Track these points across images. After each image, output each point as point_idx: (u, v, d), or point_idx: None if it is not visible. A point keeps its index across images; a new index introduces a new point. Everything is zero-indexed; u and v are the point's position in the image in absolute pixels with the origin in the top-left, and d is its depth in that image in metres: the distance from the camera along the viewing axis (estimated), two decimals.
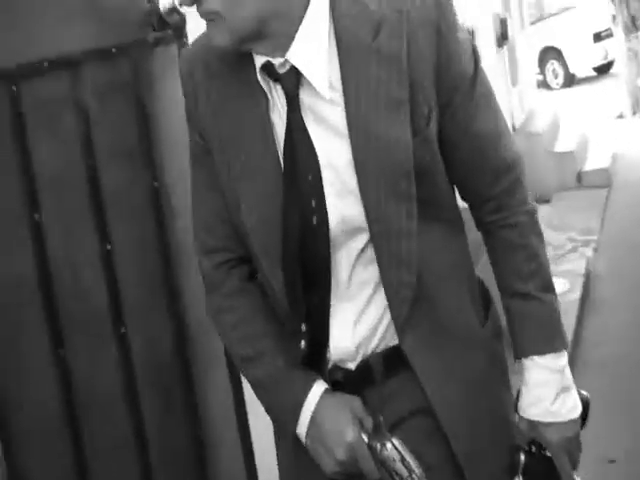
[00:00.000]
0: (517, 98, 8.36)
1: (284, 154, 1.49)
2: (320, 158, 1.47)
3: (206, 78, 1.55)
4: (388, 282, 1.51)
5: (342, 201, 1.48)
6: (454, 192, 1.63)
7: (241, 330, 1.62)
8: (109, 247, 2.37)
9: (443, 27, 1.46)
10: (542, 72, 16.22)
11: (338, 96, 1.46)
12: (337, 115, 1.47)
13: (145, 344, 2.49)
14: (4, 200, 2.27)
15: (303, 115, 1.47)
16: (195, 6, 1.43)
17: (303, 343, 1.54)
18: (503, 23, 7.78)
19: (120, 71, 2.38)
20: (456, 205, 1.64)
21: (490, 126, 1.57)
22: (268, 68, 1.47)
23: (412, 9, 1.45)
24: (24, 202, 2.26)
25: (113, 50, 2.35)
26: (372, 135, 1.45)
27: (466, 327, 1.61)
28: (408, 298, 1.52)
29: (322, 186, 1.47)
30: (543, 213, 6.71)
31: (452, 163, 1.56)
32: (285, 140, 1.48)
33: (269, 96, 1.50)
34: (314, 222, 1.48)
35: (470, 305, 1.62)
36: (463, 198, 1.64)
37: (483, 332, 1.63)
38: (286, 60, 1.45)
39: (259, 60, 1.48)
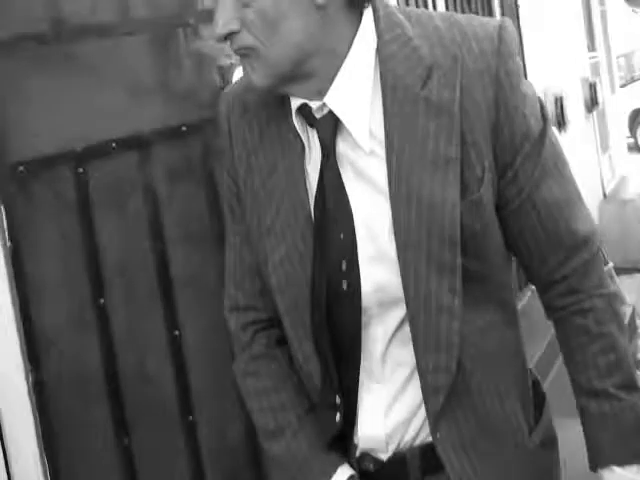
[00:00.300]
0: (607, 164, 8.18)
1: (315, 208, 1.34)
2: (355, 215, 1.32)
3: (243, 120, 1.43)
4: (423, 365, 1.33)
5: (377, 267, 1.32)
6: (510, 270, 1.45)
7: (264, 399, 1.47)
8: (177, 333, 2.29)
9: (503, 79, 1.30)
10: (633, 135, 15.92)
11: (379, 147, 1.31)
12: (377, 168, 1.31)
13: (213, 432, 2.41)
14: (69, 284, 2.20)
15: (339, 165, 1.33)
16: (228, 43, 1.30)
17: (338, 416, 1.38)
18: (592, 88, 7.64)
19: (190, 150, 2.34)
20: (511, 285, 1.45)
21: (559, 194, 1.37)
22: (304, 111, 1.34)
23: (468, 56, 1.30)
24: (89, 286, 2.20)
25: (183, 128, 2.30)
26: (414, 194, 1.29)
27: (510, 430, 1.41)
28: (444, 386, 1.33)
29: (356, 247, 1.32)
30: (638, 284, 6.50)
31: (513, 236, 1.38)
32: (317, 192, 1.34)
33: (305, 142, 1.36)
34: (344, 287, 1.32)
35: (517, 404, 1.42)
36: (529, 279, 1.46)
37: (531, 439, 1.43)
38: (324, 104, 1.32)
39: (295, 102, 1.34)
